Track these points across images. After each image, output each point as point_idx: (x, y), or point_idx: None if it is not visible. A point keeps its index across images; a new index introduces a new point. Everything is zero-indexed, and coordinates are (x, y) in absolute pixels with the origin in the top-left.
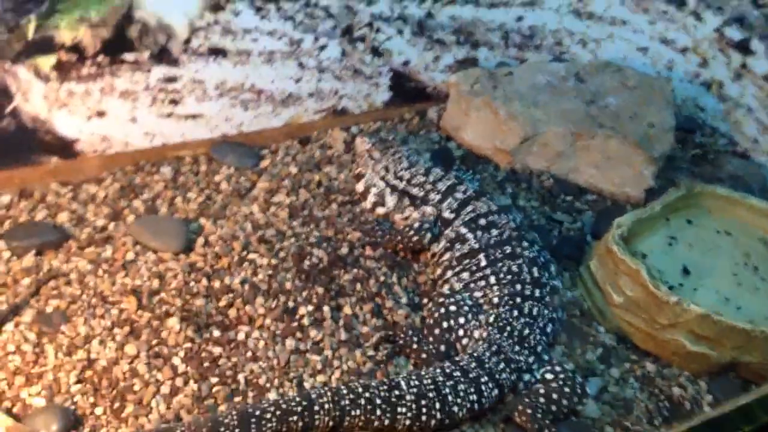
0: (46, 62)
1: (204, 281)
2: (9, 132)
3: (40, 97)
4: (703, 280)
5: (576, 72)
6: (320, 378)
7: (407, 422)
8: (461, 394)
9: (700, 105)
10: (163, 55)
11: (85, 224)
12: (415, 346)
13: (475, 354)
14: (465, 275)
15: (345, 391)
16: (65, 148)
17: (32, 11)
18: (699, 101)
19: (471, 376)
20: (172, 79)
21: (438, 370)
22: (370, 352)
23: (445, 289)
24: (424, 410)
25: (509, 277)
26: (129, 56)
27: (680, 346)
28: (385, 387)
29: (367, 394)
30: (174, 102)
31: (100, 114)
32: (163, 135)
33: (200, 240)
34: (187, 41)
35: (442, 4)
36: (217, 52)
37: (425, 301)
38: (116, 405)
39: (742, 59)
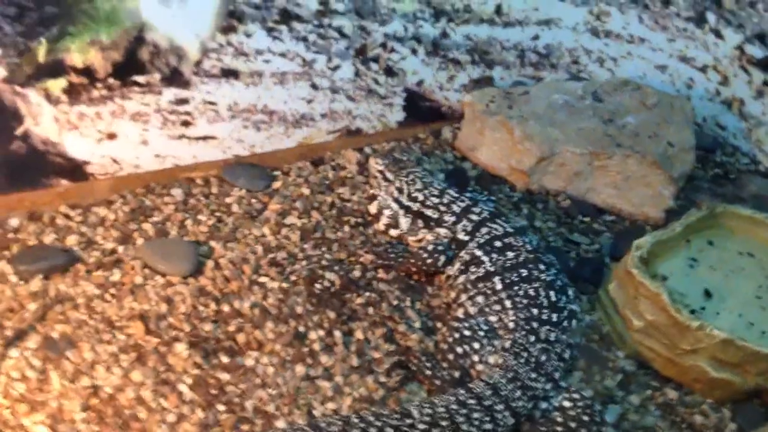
0: (57, 85)
1: (213, 305)
2: (19, 155)
3: (51, 119)
4: (726, 303)
5: (593, 91)
6: (331, 405)
7: None
8: (476, 422)
9: (720, 124)
10: (174, 77)
11: (93, 247)
12: (428, 372)
13: (490, 381)
14: (480, 299)
15: (356, 420)
16: (75, 171)
17: (43, 34)
18: (720, 120)
19: (486, 404)
20: (183, 101)
21: (452, 398)
22: (383, 379)
23: (460, 313)
24: None
25: (525, 301)
26: (140, 78)
27: (702, 372)
28: (397, 416)
29: (378, 423)
30: (185, 124)
31: (111, 136)
32: (174, 157)
33: (210, 263)
34: (199, 63)
35: (457, 23)
36: (229, 74)
37: (439, 325)
38: None
39: (763, 77)
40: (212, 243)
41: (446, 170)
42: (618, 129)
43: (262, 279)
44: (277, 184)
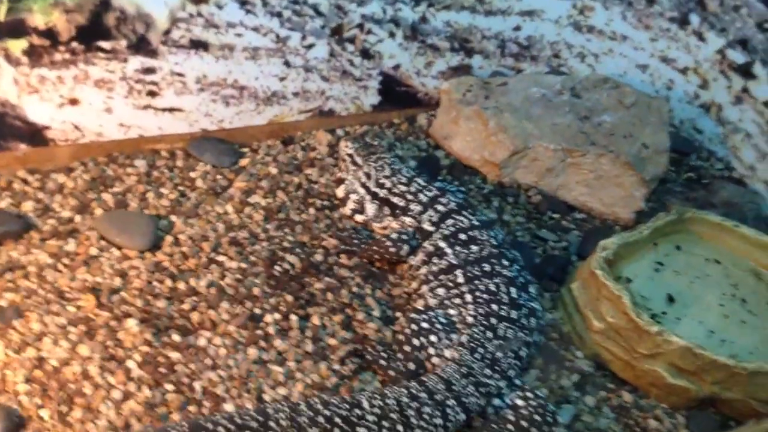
0: (17, 46)
1: (168, 282)
2: None
3: (10, 81)
4: (689, 309)
5: (572, 86)
6: (281, 391)
7: None
8: (426, 417)
9: (697, 127)
10: (141, 45)
11: (50, 215)
12: (383, 362)
13: (444, 375)
14: (441, 291)
15: (304, 408)
16: (35, 136)
17: None
18: (697, 123)
19: (437, 398)
20: (150, 71)
21: (404, 390)
22: (336, 366)
23: (420, 304)
24: None
25: (486, 296)
26: (105, 44)
27: (659, 378)
28: (347, 405)
29: (327, 412)
30: (152, 94)
31: (73, 102)
32: (139, 127)
33: (169, 238)
34: (167, 32)
35: (438, 8)
36: (199, 45)
37: (398, 315)
38: (63, 408)
39: (743, 83)
40: (173, 218)
41: (419, 158)
42: (594, 127)
43: (221, 258)
44: (244, 162)
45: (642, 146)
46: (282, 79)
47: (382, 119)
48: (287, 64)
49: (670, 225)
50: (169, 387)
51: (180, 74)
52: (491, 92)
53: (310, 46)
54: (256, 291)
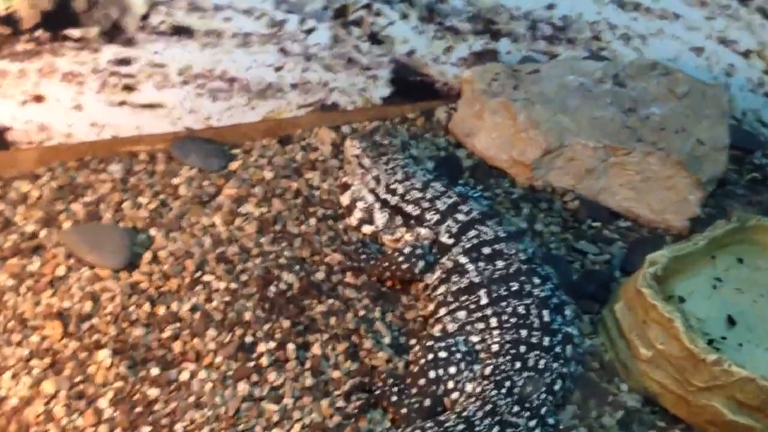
0: None
1: (146, 306)
2: None
3: None
4: (752, 333)
5: (615, 73)
6: None
7: None
8: None
9: (763, 119)
10: (115, 33)
11: (11, 229)
12: (394, 398)
13: (464, 413)
14: (461, 314)
15: None
16: None
17: None
18: (762, 115)
19: None
20: (125, 62)
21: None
22: (340, 403)
23: (437, 330)
24: None
25: (514, 320)
26: (74, 32)
27: (718, 414)
28: None
29: None
30: (128, 88)
31: (38, 99)
32: (113, 126)
33: (147, 255)
34: (145, 17)
35: None
36: (182, 32)
37: (412, 342)
38: None
39: None
40: (152, 231)
41: (437, 158)
42: (640, 120)
43: (207, 277)
44: (234, 165)
45: (697, 142)
46: (278, 69)
47: (394, 114)
48: (284, 51)
49: (731, 234)
50: (146, 429)
51: (160, 65)
52: (521, 81)
53: (310, 31)
54: (247, 316)
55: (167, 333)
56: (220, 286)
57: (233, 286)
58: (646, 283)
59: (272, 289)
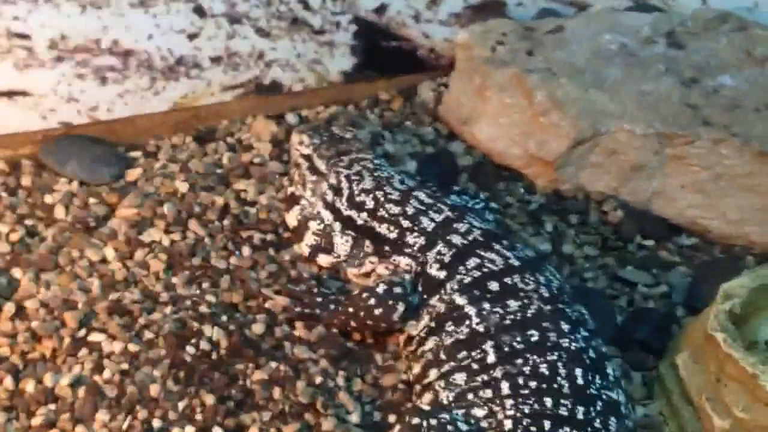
0: None
1: (8, 381)
2: None
3: None
4: None
5: (670, 30)
6: None
7: None
8: None
9: None
10: None
11: None
12: None
13: None
14: (460, 378)
15: None
16: None
17: None
18: None
19: None
20: None
21: None
22: None
23: (427, 400)
24: None
25: (534, 384)
26: None
27: None
28: None
29: None
30: None
31: None
32: None
33: (8, 308)
34: None
35: None
36: None
37: (392, 420)
38: None
39: None
40: (15, 272)
41: (422, 156)
42: (706, 96)
43: (96, 336)
44: (133, 174)
45: None
46: (192, 36)
47: (360, 95)
48: (200, 11)
49: None
50: None
51: (23, 35)
52: (537, 45)
53: None
54: (154, 390)
55: (38, 419)
56: (115, 348)
57: (133, 347)
58: (720, 324)
59: (189, 350)
